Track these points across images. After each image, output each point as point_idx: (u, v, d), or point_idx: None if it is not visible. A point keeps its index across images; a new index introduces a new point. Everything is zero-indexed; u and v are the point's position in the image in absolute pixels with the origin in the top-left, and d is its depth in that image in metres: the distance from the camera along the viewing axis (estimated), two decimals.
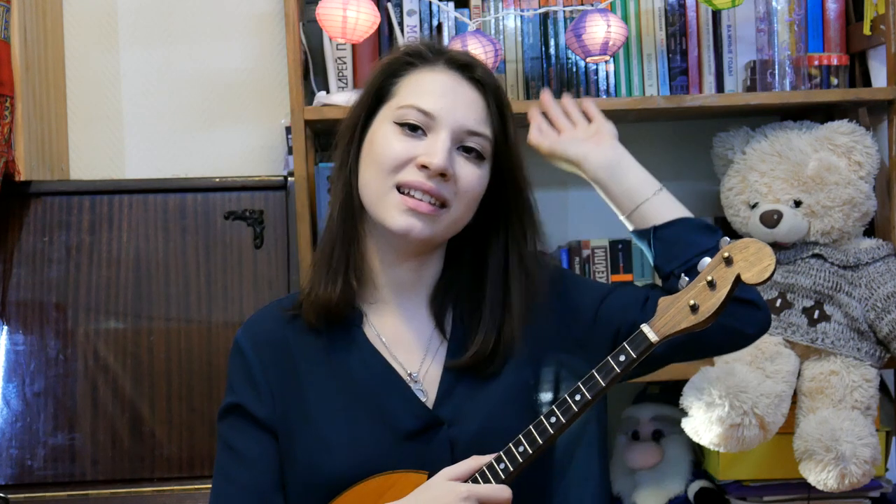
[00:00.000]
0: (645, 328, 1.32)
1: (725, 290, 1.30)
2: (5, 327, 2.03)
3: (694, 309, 1.31)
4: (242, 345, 1.45)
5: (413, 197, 1.37)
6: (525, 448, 1.31)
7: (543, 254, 1.52)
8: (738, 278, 1.30)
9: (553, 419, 1.31)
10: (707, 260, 1.33)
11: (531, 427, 1.32)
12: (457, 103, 1.40)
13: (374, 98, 1.44)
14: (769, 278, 1.29)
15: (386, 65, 1.45)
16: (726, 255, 1.31)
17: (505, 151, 1.43)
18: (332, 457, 1.38)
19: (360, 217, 1.44)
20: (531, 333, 1.45)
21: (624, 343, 1.33)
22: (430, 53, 1.44)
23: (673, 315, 1.32)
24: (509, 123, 1.44)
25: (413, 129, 1.38)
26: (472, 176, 1.40)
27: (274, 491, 1.39)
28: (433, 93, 1.40)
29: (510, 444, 1.32)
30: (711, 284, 1.31)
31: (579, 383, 1.32)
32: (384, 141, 1.39)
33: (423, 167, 1.36)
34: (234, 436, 1.43)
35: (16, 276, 2.06)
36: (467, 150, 1.40)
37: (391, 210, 1.37)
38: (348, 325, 1.44)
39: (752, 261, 1.30)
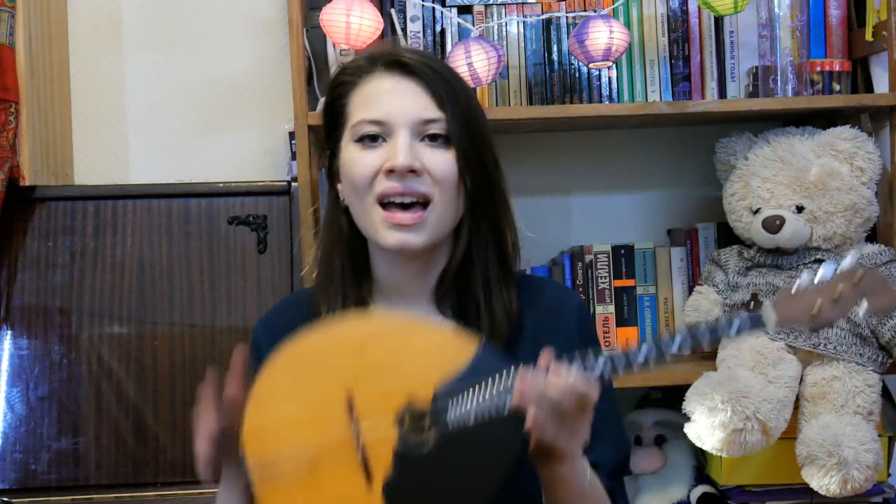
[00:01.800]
0: (768, 309, 1.25)
1: (845, 309, 1.26)
2: (10, 332, 2.04)
3: (814, 316, 1.26)
4: (260, 337, 1.47)
5: (394, 206, 1.37)
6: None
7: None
8: (862, 304, 1.26)
9: (653, 353, 1.23)
10: (833, 267, 1.27)
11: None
12: (403, 100, 1.39)
13: (332, 125, 1.45)
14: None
15: (332, 88, 1.46)
16: (859, 274, 1.25)
17: (466, 133, 1.39)
18: None
19: (361, 244, 1.44)
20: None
21: (744, 311, 1.28)
22: (366, 63, 1.44)
23: (798, 307, 1.26)
24: (462, 105, 1.40)
25: (373, 139, 1.39)
26: (443, 161, 1.38)
27: None
28: (378, 100, 1.40)
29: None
30: (837, 300, 1.25)
31: (686, 327, 1.25)
32: (351, 162, 1.40)
33: (391, 171, 1.36)
34: None
35: (20, 281, 2.06)
36: (432, 139, 1.39)
37: (380, 229, 1.38)
38: None
39: (881, 291, 1.25)
